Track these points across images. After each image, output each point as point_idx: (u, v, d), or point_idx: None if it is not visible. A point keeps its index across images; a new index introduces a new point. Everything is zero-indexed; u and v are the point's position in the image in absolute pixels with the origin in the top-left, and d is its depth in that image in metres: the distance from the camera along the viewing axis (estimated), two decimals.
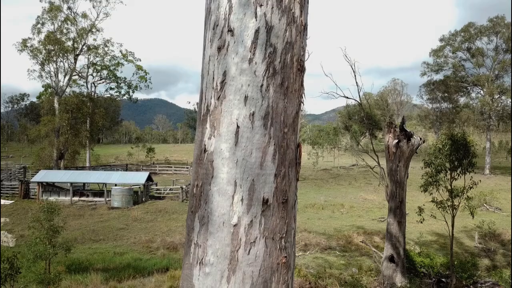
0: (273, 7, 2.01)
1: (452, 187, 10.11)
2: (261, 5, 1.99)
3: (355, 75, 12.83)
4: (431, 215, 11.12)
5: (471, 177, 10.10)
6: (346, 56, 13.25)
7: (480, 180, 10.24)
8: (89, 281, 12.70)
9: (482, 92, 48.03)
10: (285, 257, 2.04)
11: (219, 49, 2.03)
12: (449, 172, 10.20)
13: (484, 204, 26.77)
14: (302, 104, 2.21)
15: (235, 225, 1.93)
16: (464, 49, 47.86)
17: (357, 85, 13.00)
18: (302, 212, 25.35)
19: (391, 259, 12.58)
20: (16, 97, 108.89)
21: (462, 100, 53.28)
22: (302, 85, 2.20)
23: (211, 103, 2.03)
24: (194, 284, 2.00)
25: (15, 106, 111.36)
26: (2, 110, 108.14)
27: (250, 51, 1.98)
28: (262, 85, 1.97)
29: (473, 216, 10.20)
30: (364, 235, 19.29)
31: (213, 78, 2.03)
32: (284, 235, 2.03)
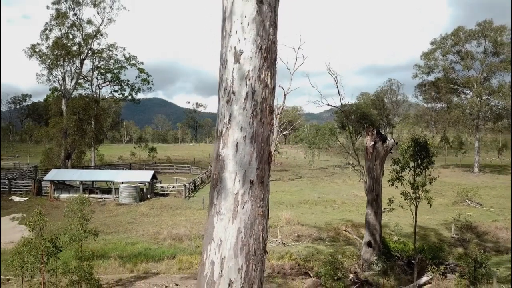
0: (255, 80, 3.87)
1: (415, 181, 12.01)
2: (249, 79, 3.86)
3: (337, 87, 14.70)
4: (400, 205, 13.01)
5: (430, 173, 12.02)
6: (330, 70, 15.12)
7: (438, 176, 12.05)
8: (108, 265, 14.58)
9: (471, 93, 49.96)
10: (262, 211, 3.91)
11: (227, 102, 3.89)
12: (412, 169, 12.10)
13: (466, 200, 28.67)
14: (272, 130, 4.07)
15: (236, 194, 3.78)
16: (454, 52, 49.81)
17: (339, 95, 14.89)
18: (296, 208, 27.20)
19: (369, 244, 14.45)
20: (18, 98, 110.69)
21: (456, 100, 55.07)
22: (272, 119, 4.07)
23: (223, 130, 3.88)
24: (215, 225, 3.86)
25: (17, 106, 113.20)
26: (4, 110, 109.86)
27: (244, 103, 3.83)
28: (249, 121, 3.83)
29: (430, 205, 12.07)
30: (352, 227, 21.17)
31: (224, 117, 3.89)
32: (261, 199, 3.90)
